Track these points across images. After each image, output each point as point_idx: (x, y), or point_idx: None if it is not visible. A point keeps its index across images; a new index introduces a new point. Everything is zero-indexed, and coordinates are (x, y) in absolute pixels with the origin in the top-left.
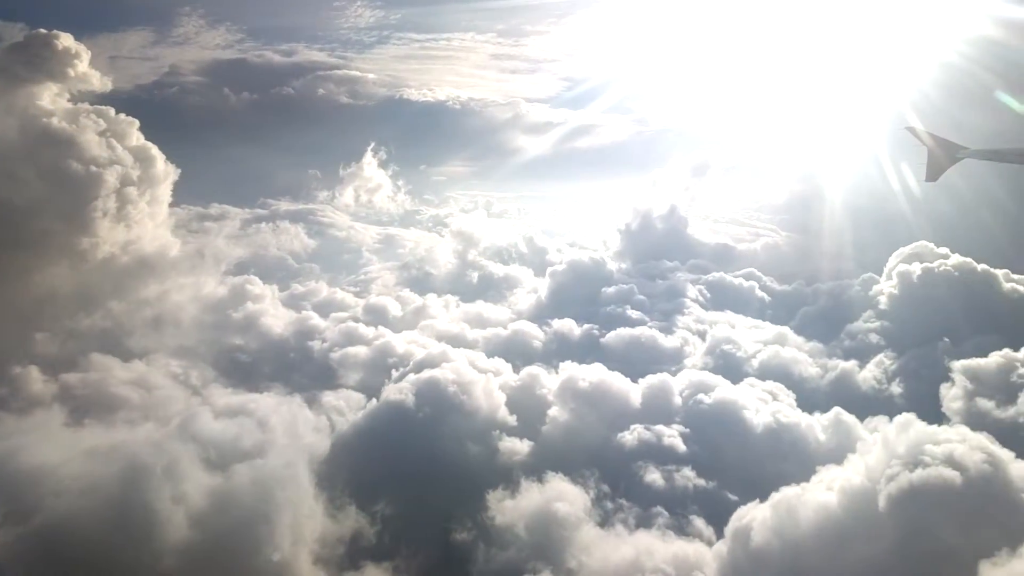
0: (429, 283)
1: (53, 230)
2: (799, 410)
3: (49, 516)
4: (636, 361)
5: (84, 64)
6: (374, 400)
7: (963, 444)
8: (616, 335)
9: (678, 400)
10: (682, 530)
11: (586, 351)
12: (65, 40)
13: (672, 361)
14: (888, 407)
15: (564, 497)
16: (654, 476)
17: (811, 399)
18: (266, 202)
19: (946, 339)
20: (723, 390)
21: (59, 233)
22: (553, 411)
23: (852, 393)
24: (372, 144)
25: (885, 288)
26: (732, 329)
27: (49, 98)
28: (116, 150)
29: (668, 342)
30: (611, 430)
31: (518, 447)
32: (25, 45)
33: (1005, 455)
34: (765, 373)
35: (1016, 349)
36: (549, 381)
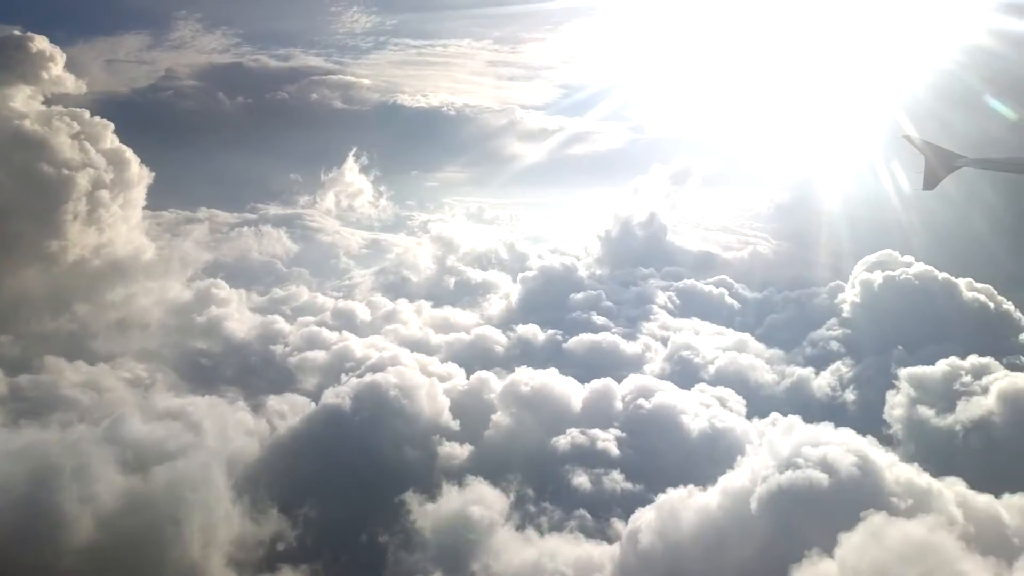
0: (405, 288)
1: (23, 232)
2: (745, 417)
3: None
4: (596, 367)
5: (59, 67)
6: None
7: (841, 447)
8: (578, 340)
9: (619, 405)
10: (601, 532)
11: (548, 356)
12: (40, 42)
13: (633, 367)
14: (840, 414)
15: (483, 501)
16: (582, 480)
17: (764, 405)
18: (255, 206)
19: (900, 347)
20: (664, 395)
21: (29, 236)
22: (497, 416)
23: (806, 400)
24: (354, 149)
25: (849, 296)
26: (695, 336)
27: (22, 100)
28: (89, 153)
29: (630, 348)
30: (549, 434)
31: (457, 451)
32: None
33: (884, 459)
34: (719, 379)
35: (965, 358)
36: (499, 386)
